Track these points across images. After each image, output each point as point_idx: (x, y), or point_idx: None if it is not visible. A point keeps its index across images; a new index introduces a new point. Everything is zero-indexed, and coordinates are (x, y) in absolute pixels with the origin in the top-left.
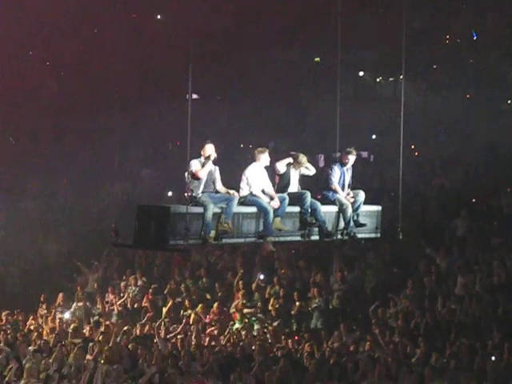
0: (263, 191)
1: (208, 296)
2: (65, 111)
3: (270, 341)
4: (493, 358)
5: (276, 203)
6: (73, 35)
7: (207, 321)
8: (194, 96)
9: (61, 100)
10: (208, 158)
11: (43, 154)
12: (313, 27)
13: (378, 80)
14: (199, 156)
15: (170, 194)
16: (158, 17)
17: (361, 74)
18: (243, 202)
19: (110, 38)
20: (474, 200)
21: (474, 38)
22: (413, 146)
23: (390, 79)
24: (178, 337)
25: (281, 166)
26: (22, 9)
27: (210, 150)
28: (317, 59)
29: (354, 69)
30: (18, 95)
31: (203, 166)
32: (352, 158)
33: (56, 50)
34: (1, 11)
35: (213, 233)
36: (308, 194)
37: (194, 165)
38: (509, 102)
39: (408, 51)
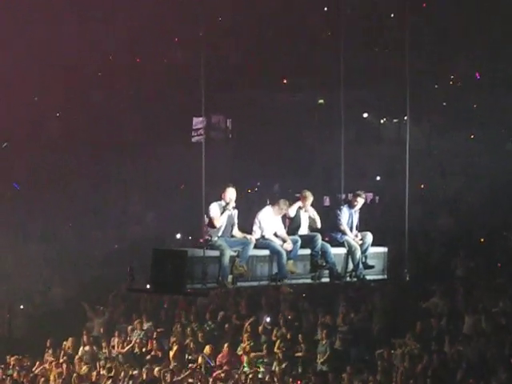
0: (275, 234)
1: (214, 339)
2: (69, 154)
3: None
4: None
5: (289, 246)
6: (78, 77)
7: (217, 364)
8: (198, 138)
9: (65, 143)
10: (228, 204)
11: (48, 197)
12: (317, 69)
13: (382, 121)
14: (219, 199)
15: (178, 236)
16: (165, 61)
17: (365, 115)
18: (256, 245)
19: (115, 82)
20: (481, 239)
21: (477, 78)
22: (422, 186)
23: (394, 120)
24: (186, 381)
25: (292, 211)
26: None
27: (231, 194)
28: (321, 101)
29: (358, 110)
30: (22, 137)
31: (223, 211)
32: (361, 201)
33: (60, 93)
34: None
35: (230, 277)
36: (319, 237)
37: (214, 210)
38: None
39: (412, 92)
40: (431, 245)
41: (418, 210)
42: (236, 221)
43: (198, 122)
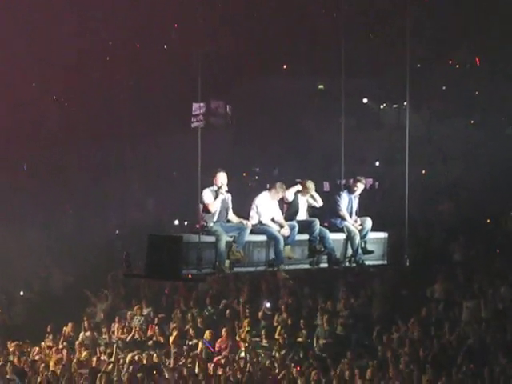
0: (273, 220)
1: (214, 324)
2: (69, 141)
3: (277, 369)
4: None
5: (286, 231)
6: (78, 67)
7: (216, 349)
8: (198, 124)
9: (65, 130)
10: (220, 188)
11: (48, 185)
12: (317, 55)
13: (381, 107)
14: (211, 184)
15: (176, 222)
16: (165, 47)
17: (364, 101)
18: (253, 230)
19: (114, 69)
20: (487, 221)
21: (477, 64)
22: (423, 171)
23: (394, 106)
24: (185, 366)
25: (289, 195)
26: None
27: (222, 178)
28: (321, 86)
29: (358, 96)
30: (23, 126)
31: (216, 196)
32: (361, 186)
33: (60, 82)
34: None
35: (227, 262)
36: (317, 222)
37: (207, 196)
38: None
39: (411, 78)
40: (431, 230)
41: (418, 195)
42: (230, 205)
43: (197, 108)
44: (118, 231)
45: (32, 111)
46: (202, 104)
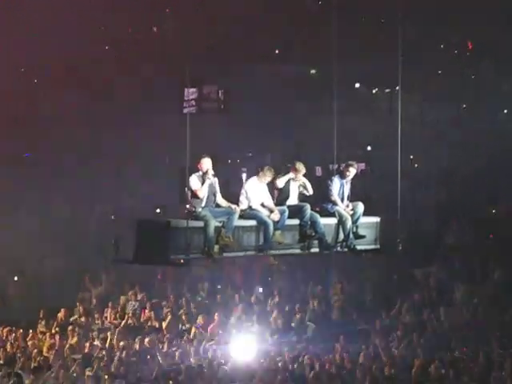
0: (262, 204)
1: (207, 309)
2: (62, 126)
3: (271, 353)
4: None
5: (276, 216)
6: (70, 51)
7: (209, 334)
8: (190, 110)
9: (58, 116)
10: (206, 173)
11: (40, 169)
12: (308, 39)
13: (374, 92)
14: (197, 170)
15: (157, 210)
16: (155, 29)
17: (357, 85)
18: (242, 215)
19: (108, 53)
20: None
21: (470, 48)
22: (411, 157)
23: (386, 90)
24: (178, 351)
25: (280, 182)
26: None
27: (207, 164)
28: (312, 71)
29: (350, 81)
30: (16, 110)
31: (203, 181)
32: (353, 171)
33: (52, 66)
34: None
35: (216, 247)
36: (308, 207)
37: (194, 182)
38: (505, 111)
39: (403, 62)
40: (424, 215)
41: (411, 180)
42: (218, 189)
43: (189, 93)
44: (113, 216)
45: (23, 95)
46: (193, 89)
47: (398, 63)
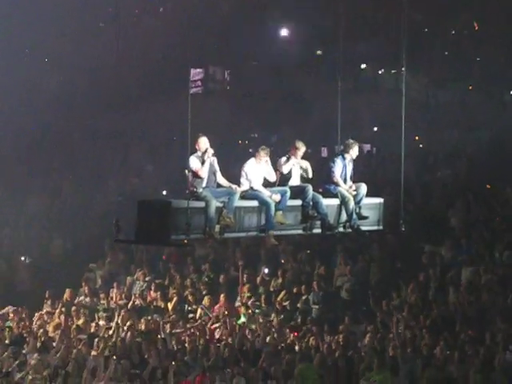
0: (263, 184)
1: (212, 290)
2: (68, 109)
3: (275, 334)
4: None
5: (277, 197)
6: (74, 35)
7: (214, 314)
8: (196, 90)
9: (63, 98)
10: (205, 152)
11: (47, 152)
12: (315, 20)
13: (379, 72)
14: (195, 151)
15: (164, 192)
16: (161, 10)
17: (363, 66)
18: (244, 196)
19: (113, 36)
20: (488, 186)
21: (476, 29)
22: (417, 137)
23: (392, 71)
24: (184, 332)
25: (285, 169)
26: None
27: (204, 143)
28: (318, 52)
29: (356, 61)
30: (21, 94)
31: (203, 162)
32: (355, 150)
33: (57, 50)
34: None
35: (217, 227)
36: (310, 188)
37: (194, 162)
38: (511, 93)
39: (410, 43)
40: (429, 196)
41: (416, 161)
42: (217, 168)
43: (195, 73)
44: (120, 198)
45: (29, 78)
46: (199, 70)
47: (402, 45)
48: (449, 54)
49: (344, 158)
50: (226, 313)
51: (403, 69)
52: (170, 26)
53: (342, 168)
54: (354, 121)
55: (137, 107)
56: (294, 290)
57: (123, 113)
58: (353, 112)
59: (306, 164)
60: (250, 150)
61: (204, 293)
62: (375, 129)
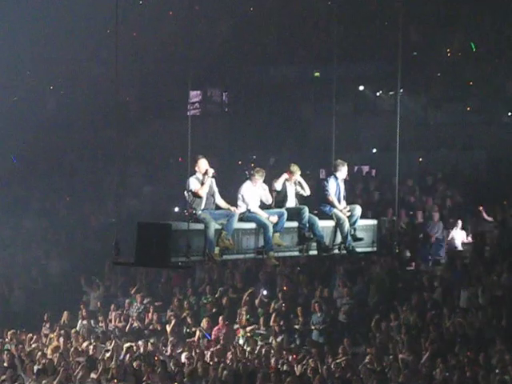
0: (260, 207)
1: (211, 312)
2: (66, 129)
3: (273, 357)
4: (496, 371)
5: (274, 218)
6: (73, 53)
7: (213, 337)
8: (194, 112)
9: (62, 118)
10: (206, 173)
11: (45, 172)
12: (312, 42)
13: (378, 94)
14: (194, 172)
15: (176, 209)
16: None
17: (361, 88)
18: (242, 218)
19: (112, 56)
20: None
21: (473, 50)
22: (420, 159)
23: (390, 93)
24: (183, 354)
25: (278, 185)
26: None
27: (204, 165)
28: (316, 74)
29: (354, 83)
30: (19, 113)
31: (202, 182)
32: (344, 170)
33: (56, 68)
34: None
35: (217, 249)
36: (306, 209)
37: (193, 183)
38: (509, 114)
39: (407, 64)
40: (429, 216)
41: (415, 182)
42: (216, 189)
43: (193, 95)
44: (114, 219)
45: (27, 98)
46: (198, 92)
47: (398, 66)
48: (446, 75)
49: (336, 178)
50: (225, 335)
51: (401, 90)
52: (167, 48)
53: (335, 188)
54: (352, 142)
55: (135, 128)
56: (293, 312)
57: (121, 134)
58: (352, 133)
59: (301, 179)
60: (247, 172)
61: (204, 315)
62: (374, 150)
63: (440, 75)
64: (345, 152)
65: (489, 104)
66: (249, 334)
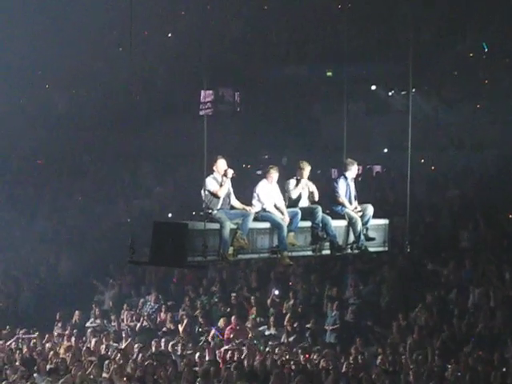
0: (275, 206)
1: (224, 312)
2: (77, 129)
3: (286, 356)
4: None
5: (286, 219)
6: (85, 53)
7: (226, 337)
8: (206, 112)
9: (72, 118)
10: (225, 174)
11: (56, 173)
12: (324, 41)
13: (390, 94)
14: (211, 172)
15: (169, 215)
16: (169, 35)
17: (373, 87)
18: (256, 217)
19: (122, 56)
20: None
21: (485, 50)
22: (422, 160)
23: (403, 93)
24: (195, 354)
25: (294, 193)
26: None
27: (223, 165)
28: (329, 73)
29: (366, 83)
30: (30, 115)
31: (221, 183)
32: (354, 169)
33: (67, 69)
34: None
35: (231, 249)
36: (319, 209)
37: (212, 184)
38: None
39: (419, 64)
40: (439, 217)
41: (426, 182)
42: (231, 190)
43: (205, 95)
44: (129, 219)
45: (38, 99)
46: (210, 91)
47: (409, 65)
48: (457, 75)
49: (346, 178)
50: (237, 335)
51: (413, 90)
52: (179, 47)
53: (345, 188)
54: (364, 142)
55: (146, 128)
56: (306, 312)
57: (132, 134)
58: (363, 133)
59: (313, 188)
60: (259, 173)
61: (218, 314)
62: (385, 150)
63: (451, 74)
64: (356, 151)
65: (499, 103)
66: (260, 334)
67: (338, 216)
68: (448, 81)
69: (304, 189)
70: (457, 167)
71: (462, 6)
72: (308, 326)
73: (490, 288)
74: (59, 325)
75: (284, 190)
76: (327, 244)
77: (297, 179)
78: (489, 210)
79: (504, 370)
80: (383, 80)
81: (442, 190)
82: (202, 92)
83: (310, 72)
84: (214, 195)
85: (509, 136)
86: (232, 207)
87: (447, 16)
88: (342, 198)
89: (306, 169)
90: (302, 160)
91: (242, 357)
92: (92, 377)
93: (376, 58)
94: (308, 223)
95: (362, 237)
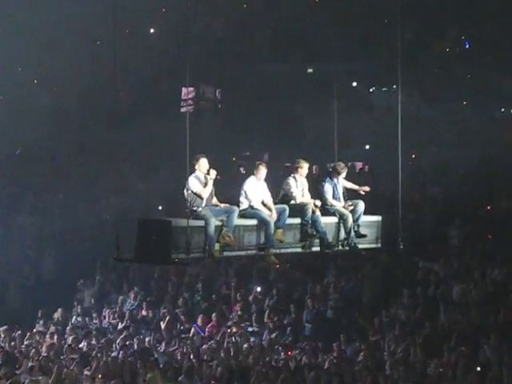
0: (263, 203)
1: (205, 309)
2: (59, 126)
3: (267, 353)
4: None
5: (273, 215)
6: (67, 50)
7: (206, 334)
8: (188, 109)
9: (54, 115)
10: (208, 173)
11: (38, 170)
12: (306, 39)
13: (371, 90)
14: (193, 171)
15: (160, 208)
16: (152, 31)
17: (354, 84)
18: (243, 214)
19: (103, 53)
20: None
21: (467, 46)
22: (414, 156)
23: (383, 89)
24: (177, 351)
25: (297, 194)
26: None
27: (206, 164)
28: (310, 70)
29: (347, 79)
30: (12, 112)
31: (205, 183)
32: (343, 172)
33: (48, 65)
34: None
35: (217, 246)
36: (309, 206)
37: (194, 183)
38: (502, 110)
39: (401, 61)
40: (422, 214)
41: (408, 178)
42: (213, 188)
43: (186, 92)
44: (108, 216)
45: (20, 95)
46: (191, 89)
47: (396, 62)
48: (439, 71)
49: (332, 179)
50: (218, 332)
51: (394, 86)
52: (161, 45)
53: (332, 189)
54: (345, 139)
55: (128, 125)
56: (279, 306)
57: (115, 131)
58: (344, 130)
59: (306, 185)
60: (241, 169)
61: (195, 312)
62: (367, 146)
63: (433, 71)
64: (338, 149)
65: (482, 100)
66: (241, 331)
67: (329, 213)
68: (430, 77)
69: (299, 187)
70: (439, 164)
71: (442, 3)
72: (285, 322)
73: (471, 284)
74: (41, 322)
75: (280, 188)
76: (317, 241)
77: (293, 177)
78: (471, 207)
79: (486, 365)
80: (364, 77)
81: (423, 187)
82: (184, 89)
83: (290, 69)
84: (198, 196)
85: (491, 133)
86: (215, 205)
87: (428, 13)
88: (330, 201)
89: (305, 167)
90: (299, 158)
91: (224, 354)
92: (74, 374)
93: (357, 55)
94: (297, 220)
95: (353, 234)
